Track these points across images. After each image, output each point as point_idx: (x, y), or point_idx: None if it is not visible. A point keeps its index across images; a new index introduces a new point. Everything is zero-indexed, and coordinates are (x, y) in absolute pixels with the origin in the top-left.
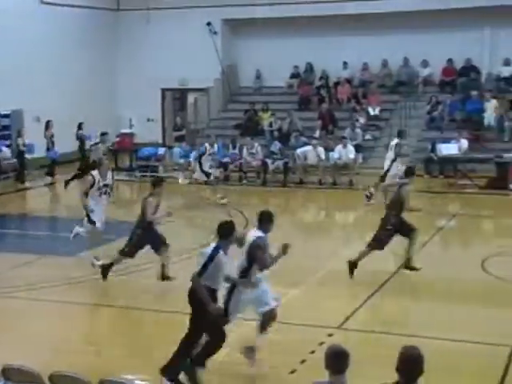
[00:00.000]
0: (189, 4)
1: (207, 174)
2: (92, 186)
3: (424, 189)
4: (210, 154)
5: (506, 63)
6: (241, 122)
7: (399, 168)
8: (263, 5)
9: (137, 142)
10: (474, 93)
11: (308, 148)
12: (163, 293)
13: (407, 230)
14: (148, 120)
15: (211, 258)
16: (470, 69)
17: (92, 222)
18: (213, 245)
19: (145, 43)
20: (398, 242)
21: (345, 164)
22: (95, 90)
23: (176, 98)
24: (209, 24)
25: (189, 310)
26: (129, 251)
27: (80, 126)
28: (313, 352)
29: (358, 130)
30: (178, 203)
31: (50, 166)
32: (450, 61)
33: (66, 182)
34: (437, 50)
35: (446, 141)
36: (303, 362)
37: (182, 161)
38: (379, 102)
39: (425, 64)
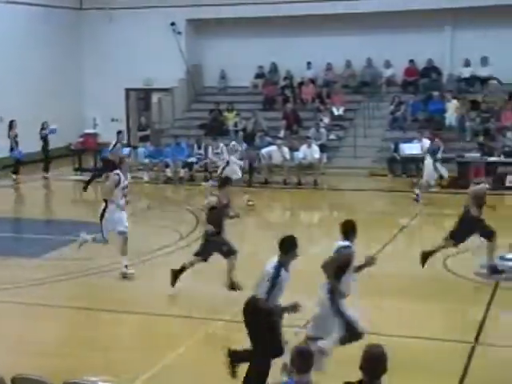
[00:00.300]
0: (152, 4)
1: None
2: (117, 185)
3: (387, 188)
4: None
5: (467, 64)
6: (206, 121)
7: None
8: (227, 5)
9: (101, 142)
10: (436, 93)
11: (273, 148)
12: (126, 294)
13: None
14: (112, 120)
15: (276, 277)
16: (431, 69)
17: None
18: (273, 261)
19: (109, 43)
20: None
21: (309, 164)
22: (59, 89)
23: (140, 98)
24: (173, 24)
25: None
26: (201, 255)
27: (43, 126)
28: None
29: (323, 130)
30: (143, 204)
31: (15, 166)
32: (412, 61)
33: (86, 184)
34: (399, 50)
35: (409, 141)
36: None
37: (146, 161)
38: (343, 102)
39: (387, 65)
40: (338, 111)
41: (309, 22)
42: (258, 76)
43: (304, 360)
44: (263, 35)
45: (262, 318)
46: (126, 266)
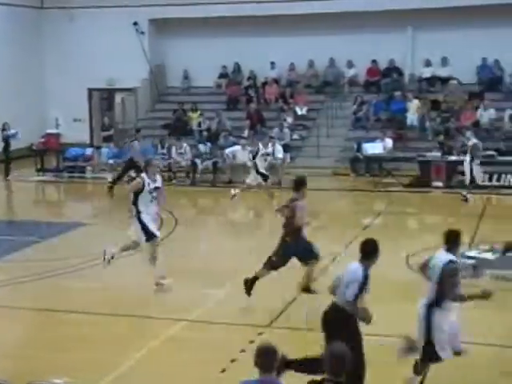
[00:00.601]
0: (115, 3)
1: (264, 176)
2: (142, 190)
3: (350, 187)
4: (262, 155)
5: (427, 64)
6: (169, 121)
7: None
8: (190, 5)
9: (64, 142)
10: (398, 93)
11: (237, 148)
12: (90, 295)
13: None
14: (75, 120)
15: (365, 282)
16: (393, 70)
17: (151, 236)
18: (355, 266)
19: (71, 42)
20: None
21: (273, 164)
22: (21, 89)
23: (103, 98)
24: (135, 24)
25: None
26: (276, 262)
27: (4, 127)
28: (243, 351)
29: (286, 130)
30: (106, 205)
31: None
32: (374, 62)
33: (110, 187)
34: (362, 51)
35: (371, 140)
36: (233, 361)
37: (110, 161)
38: (306, 101)
39: (350, 65)
40: (301, 111)
41: (272, 23)
42: (222, 76)
43: (269, 358)
44: (226, 35)
45: (349, 324)
46: (163, 277)
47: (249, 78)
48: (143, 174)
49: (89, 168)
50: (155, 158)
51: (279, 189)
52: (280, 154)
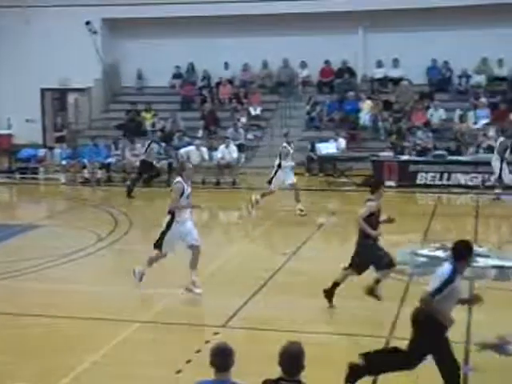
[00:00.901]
0: (67, 3)
1: None
2: (182, 194)
3: (304, 187)
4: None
5: (379, 65)
6: (123, 122)
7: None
8: (143, 4)
9: (16, 142)
10: (351, 93)
11: (191, 148)
12: (46, 297)
13: None
14: (27, 120)
15: (449, 281)
16: (345, 70)
17: (159, 247)
18: (447, 266)
19: (23, 41)
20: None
21: (228, 164)
22: None
23: (56, 98)
24: (88, 23)
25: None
26: (358, 268)
27: None
28: (199, 351)
29: (241, 130)
30: (61, 206)
31: None
32: (327, 62)
33: (129, 190)
34: (315, 51)
35: (325, 140)
36: (189, 361)
37: (63, 162)
38: (260, 102)
39: (303, 65)
40: (255, 111)
41: (226, 23)
42: (176, 76)
43: (224, 358)
44: (180, 35)
45: (423, 317)
46: (194, 283)
47: (203, 79)
48: (180, 178)
49: (41, 169)
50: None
51: (234, 189)
52: (234, 154)
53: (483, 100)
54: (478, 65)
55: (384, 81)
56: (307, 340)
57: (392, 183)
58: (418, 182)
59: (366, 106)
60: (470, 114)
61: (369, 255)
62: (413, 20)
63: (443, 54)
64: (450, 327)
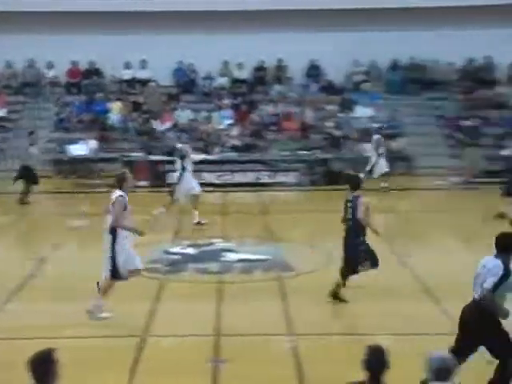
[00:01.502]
0: None
1: None
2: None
3: (54, 189)
4: None
5: (127, 67)
6: None
7: None
8: None
9: None
10: (100, 94)
11: None
12: None
13: None
14: None
15: (507, 274)
16: (93, 71)
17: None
18: (494, 260)
19: None
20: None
21: None
22: None
23: None
24: None
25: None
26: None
27: None
28: None
29: None
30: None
31: None
32: (74, 63)
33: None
34: (61, 52)
35: (75, 141)
36: None
37: None
38: (5, 103)
39: (50, 66)
40: (0, 112)
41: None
42: None
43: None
44: None
45: (490, 318)
46: None
47: None
48: (119, 191)
49: None
50: None
51: None
52: None
53: (226, 101)
54: (220, 67)
55: (132, 82)
56: (57, 344)
57: (144, 183)
58: (168, 181)
59: (116, 106)
60: (215, 114)
61: (358, 252)
62: (161, 22)
63: (189, 56)
64: (505, 319)
